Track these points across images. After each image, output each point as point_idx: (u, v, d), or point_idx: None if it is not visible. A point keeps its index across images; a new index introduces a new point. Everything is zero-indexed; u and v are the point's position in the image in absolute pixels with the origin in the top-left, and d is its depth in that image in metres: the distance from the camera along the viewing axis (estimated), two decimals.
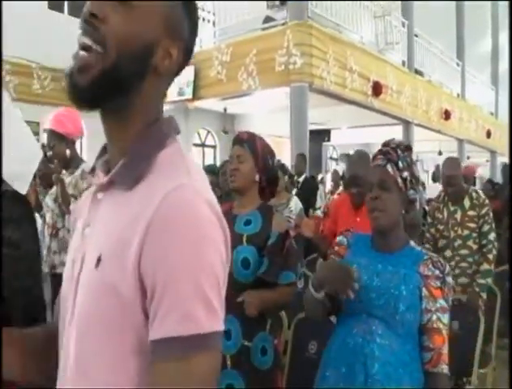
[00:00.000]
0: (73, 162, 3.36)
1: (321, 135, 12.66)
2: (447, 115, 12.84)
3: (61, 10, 11.19)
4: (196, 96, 9.16)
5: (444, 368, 1.58)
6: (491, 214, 3.55)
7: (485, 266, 3.47)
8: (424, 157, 20.82)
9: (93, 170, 2.88)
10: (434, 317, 1.59)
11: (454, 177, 3.59)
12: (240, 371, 1.99)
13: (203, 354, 0.71)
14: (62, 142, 3.27)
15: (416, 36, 11.75)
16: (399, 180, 1.66)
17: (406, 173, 1.67)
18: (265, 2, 8.86)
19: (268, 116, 11.82)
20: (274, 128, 13.31)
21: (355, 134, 14.92)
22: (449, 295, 1.63)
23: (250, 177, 2.17)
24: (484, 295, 3.43)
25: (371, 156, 1.85)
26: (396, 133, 11.82)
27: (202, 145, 13.48)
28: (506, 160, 18.37)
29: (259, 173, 2.18)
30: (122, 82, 0.81)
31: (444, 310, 1.60)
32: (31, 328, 1.00)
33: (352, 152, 14.53)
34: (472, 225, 3.54)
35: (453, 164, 3.71)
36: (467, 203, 3.58)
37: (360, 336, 1.61)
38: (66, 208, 3.21)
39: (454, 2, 14.67)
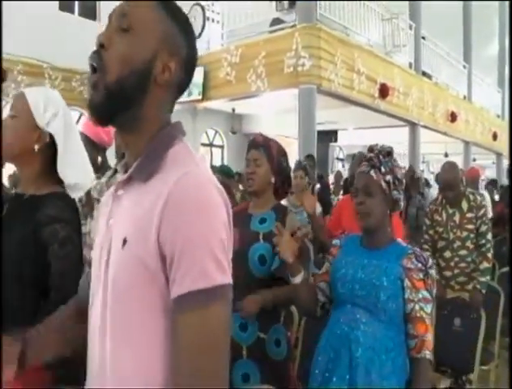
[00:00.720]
0: (102, 169, 3.47)
1: (328, 136, 12.75)
2: (453, 117, 12.90)
3: (71, 12, 11.33)
4: (205, 96, 9.28)
5: (427, 353, 1.71)
6: (488, 215, 3.66)
7: (485, 264, 3.60)
8: (430, 159, 20.90)
9: (115, 172, 2.99)
10: (417, 306, 1.73)
11: (452, 181, 3.70)
12: (255, 361, 2.10)
13: (218, 303, 0.87)
14: (94, 149, 3.37)
15: (423, 38, 11.81)
16: (383, 183, 1.83)
17: (388, 177, 1.83)
18: (273, 4, 8.96)
19: (275, 116, 11.93)
20: (281, 128, 13.42)
21: (361, 135, 15.00)
22: (432, 286, 1.77)
23: (267, 179, 2.28)
24: (484, 291, 3.54)
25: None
26: (402, 134, 11.93)
27: (210, 145, 13.62)
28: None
29: (274, 175, 2.30)
30: (127, 96, 0.96)
31: (427, 301, 1.74)
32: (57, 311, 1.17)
33: (357, 153, 14.47)
34: (470, 227, 3.65)
35: (451, 168, 3.82)
36: (464, 205, 3.69)
37: (346, 324, 1.78)
38: (88, 211, 3.32)
39: (461, 5, 14.73)
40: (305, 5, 7.87)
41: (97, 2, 11.69)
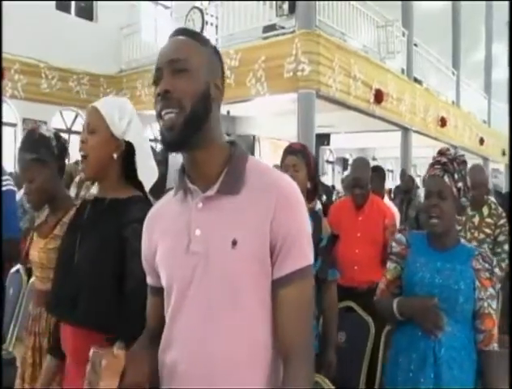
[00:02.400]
0: None
1: (320, 139, 12.91)
2: (443, 122, 13.19)
3: (68, 11, 11.36)
4: None
5: (495, 346, 1.88)
6: (507, 226, 3.82)
7: (498, 272, 3.75)
8: (417, 162, 21.24)
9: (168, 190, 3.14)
10: (485, 304, 1.88)
11: (479, 183, 3.86)
12: None
13: (310, 278, 1.17)
14: None
15: (416, 45, 12.06)
16: (454, 190, 1.92)
17: (460, 184, 1.94)
18: (267, 8, 9.06)
19: (270, 119, 12.08)
20: (275, 131, 13.56)
21: (352, 138, 15.25)
22: (496, 284, 1.93)
23: (304, 184, 2.39)
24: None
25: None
26: (394, 139, 12.17)
27: None
28: (497, 166, 18.80)
29: (310, 180, 2.43)
30: (200, 119, 1.13)
31: (493, 297, 1.90)
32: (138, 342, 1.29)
33: (347, 156, 14.80)
34: (488, 231, 3.81)
35: (479, 170, 4.03)
36: (485, 210, 3.86)
37: None
38: None
39: (449, 12, 15.05)
40: (305, 11, 8.02)
41: (94, 3, 11.73)
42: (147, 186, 1.73)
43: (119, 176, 1.71)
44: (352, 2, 9.34)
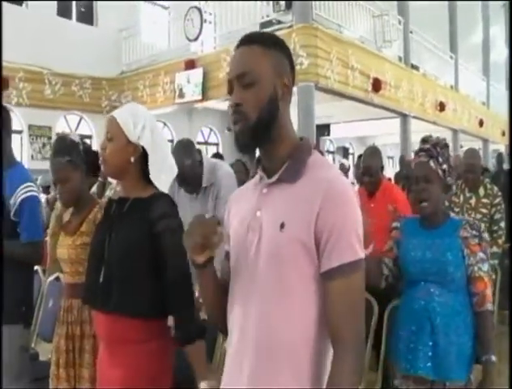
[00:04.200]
0: None
1: (321, 130, 13.06)
2: (442, 107, 13.31)
3: (69, 17, 11.51)
4: (205, 96, 9.58)
5: (488, 306, 2.06)
6: (503, 204, 4.00)
7: (494, 249, 3.91)
8: (415, 147, 21.28)
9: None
10: (476, 268, 2.07)
11: (474, 166, 4.06)
12: None
13: (359, 272, 1.20)
14: None
15: (411, 32, 12.18)
16: (440, 172, 2.11)
17: (445, 166, 2.12)
18: (264, 8, 9.19)
19: None
20: None
21: (352, 127, 15.38)
22: (486, 247, 2.11)
23: None
24: (493, 275, 3.87)
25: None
26: (393, 126, 12.32)
27: (206, 143, 13.89)
28: (497, 147, 18.88)
29: None
30: (265, 125, 1.25)
31: (483, 261, 2.08)
32: None
33: (347, 145, 14.87)
34: (484, 211, 3.99)
35: (474, 153, 4.23)
36: (481, 191, 4.05)
37: (422, 299, 2.10)
38: None
39: None
40: (302, 6, 8.18)
41: (94, 7, 11.89)
42: (165, 184, 1.90)
43: (139, 176, 1.88)
44: None
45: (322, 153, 2.60)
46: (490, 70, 18.26)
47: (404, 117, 11.84)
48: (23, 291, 2.78)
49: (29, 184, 2.75)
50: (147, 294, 1.78)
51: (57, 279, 3.71)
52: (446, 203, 4.23)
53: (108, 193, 3.69)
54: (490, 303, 2.07)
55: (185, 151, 3.24)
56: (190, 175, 3.22)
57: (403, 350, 2.13)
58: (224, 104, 11.18)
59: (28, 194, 2.68)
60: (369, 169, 3.70)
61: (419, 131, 12.97)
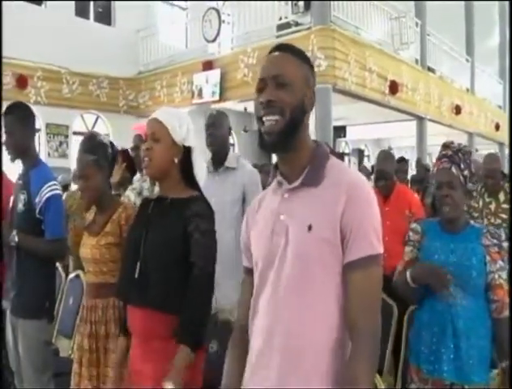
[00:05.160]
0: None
1: (337, 132, 13.05)
2: (458, 110, 13.22)
3: (87, 17, 11.61)
4: (222, 97, 9.62)
5: (506, 313, 2.11)
6: None
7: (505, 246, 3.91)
8: (433, 151, 21.21)
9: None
10: (496, 275, 2.11)
11: (495, 170, 4.05)
12: None
13: (377, 266, 1.29)
14: None
15: (428, 34, 12.13)
16: (461, 178, 2.16)
17: (466, 172, 2.17)
18: (282, 9, 9.22)
19: None
20: None
21: (367, 129, 15.34)
22: (505, 256, 2.16)
23: None
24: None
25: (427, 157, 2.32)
26: (409, 128, 12.27)
27: None
28: None
29: None
30: (294, 128, 1.33)
31: (503, 269, 2.13)
32: None
33: (363, 147, 14.81)
34: (504, 216, 3.98)
35: (493, 159, 4.21)
36: (501, 196, 4.03)
37: (445, 302, 2.13)
38: None
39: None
40: (320, 7, 8.19)
41: (112, 7, 11.98)
42: (201, 184, 1.97)
43: (179, 177, 1.95)
44: None
45: (342, 156, 2.63)
46: (506, 73, 18.09)
47: (420, 119, 11.79)
48: (47, 287, 2.85)
49: (54, 182, 2.82)
50: (179, 291, 1.82)
51: (78, 276, 3.77)
52: (465, 208, 4.23)
53: (130, 193, 3.72)
54: (507, 310, 2.11)
55: (221, 117, 3.32)
56: (219, 142, 3.23)
57: (425, 352, 2.16)
58: (240, 106, 11.23)
59: (53, 192, 2.75)
60: (383, 173, 3.73)
61: (435, 134, 13.03)
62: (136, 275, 1.85)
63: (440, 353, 2.10)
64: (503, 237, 2.17)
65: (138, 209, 2.10)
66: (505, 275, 2.12)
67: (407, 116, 11.52)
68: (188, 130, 1.92)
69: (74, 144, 11.22)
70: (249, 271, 1.49)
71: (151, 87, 11.57)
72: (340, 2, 8.74)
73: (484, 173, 4.17)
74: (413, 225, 2.36)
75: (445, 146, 2.22)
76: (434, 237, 2.24)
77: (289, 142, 1.33)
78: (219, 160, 3.26)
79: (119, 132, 10.25)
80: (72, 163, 9.77)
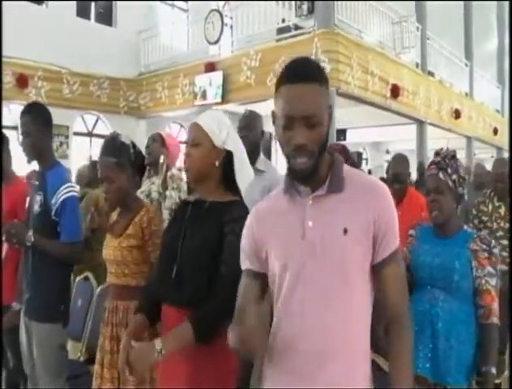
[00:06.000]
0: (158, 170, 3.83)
1: (338, 135, 13.04)
2: (457, 114, 13.28)
3: (88, 18, 11.58)
4: (225, 99, 9.61)
5: (494, 319, 2.12)
6: None
7: (497, 253, 3.91)
8: (430, 155, 21.26)
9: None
10: (483, 281, 2.14)
11: (504, 175, 4.06)
12: None
13: (400, 255, 1.45)
14: (163, 152, 3.74)
15: (428, 38, 12.17)
16: (450, 182, 2.20)
17: (454, 176, 2.21)
18: (284, 12, 9.22)
19: None
20: None
21: (367, 133, 15.39)
22: (496, 263, 2.17)
23: None
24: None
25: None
26: (408, 132, 12.30)
27: None
28: None
29: None
30: (322, 157, 1.38)
31: (491, 275, 2.15)
32: None
33: (361, 150, 14.80)
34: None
35: (503, 162, 4.25)
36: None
37: (427, 302, 2.19)
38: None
39: (462, 3, 15.11)
40: (324, 10, 8.21)
41: (113, 8, 11.96)
42: (243, 189, 1.96)
43: (219, 181, 1.94)
44: (368, 0, 9.51)
45: (355, 163, 2.61)
46: (505, 78, 18.18)
47: (421, 123, 11.83)
48: (62, 290, 2.83)
49: (70, 184, 2.79)
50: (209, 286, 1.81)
51: (86, 278, 3.75)
52: (474, 212, 4.26)
53: (172, 194, 3.74)
54: (496, 317, 2.12)
55: (255, 119, 3.34)
56: (252, 145, 3.17)
57: None
58: (241, 109, 11.22)
59: (70, 194, 2.72)
60: (398, 176, 3.71)
61: (435, 138, 13.07)
62: (173, 275, 1.85)
63: (417, 351, 2.10)
64: (493, 243, 2.19)
65: (174, 211, 2.11)
66: (493, 281, 2.14)
67: (407, 119, 11.55)
68: (228, 133, 1.92)
69: (75, 145, 11.21)
70: (256, 275, 1.51)
71: (152, 89, 11.55)
72: (344, 4, 8.75)
73: (494, 177, 4.20)
74: (410, 231, 2.42)
75: (436, 153, 2.28)
76: (425, 241, 2.31)
77: (318, 170, 1.39)
78: (250, 162, 3.27)
79: (120, 133, 10.19)
80: (72, 163, 9.75)
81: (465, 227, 2.31)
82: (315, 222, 1.37)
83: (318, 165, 1.37)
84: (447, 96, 13.01)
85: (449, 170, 2.20)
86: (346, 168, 1.45)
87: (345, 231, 1.34)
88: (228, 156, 1.93)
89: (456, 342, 2.11)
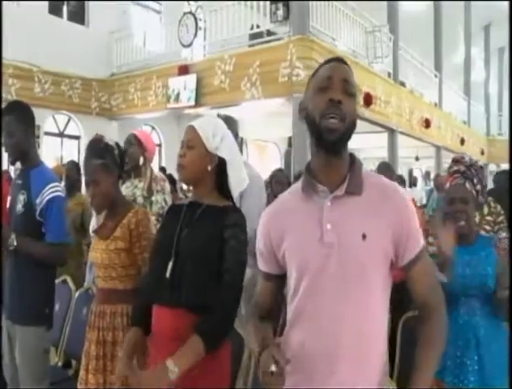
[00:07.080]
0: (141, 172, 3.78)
1: None
2: (427, 124, 13.55)
3: (60, 16, 11.38)
4: (198, 103, 9.56)
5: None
6: (506, 222, 4.11)
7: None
8: (400, 162, 21.62)
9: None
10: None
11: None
12: None
13: (426, 253, 1.47)
14: (141, 152, 3.70)
15: (399, 49, 12.39)
16: (474, 192, 2.23)
17: (478, 186, 2.24)
18: (258, 18, 9.25)
19: (257, 122, 12.27)
20: (262, 133, 13.76)
21: None
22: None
23: None
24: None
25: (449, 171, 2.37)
26: (380, 140, 12.47)
27: None
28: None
29: None
30: (350, 134, 1.39)
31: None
32: None
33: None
34: (488, 228, 4.10)
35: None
36: (485, 209, 4.15)
37: (466, 314, 2.19)
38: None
39: (432, 15, 15.46)
40: (299, 17, 8.25)
41: (86, 7, 11.78)
42: (235, 196, 1.97)
43: (213, 186, 1.95)
44: (342, 8, 9.61)
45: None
46: (470, 90, 18.68)
47: (392, 132, 12.00)
48: (47, 292, 2.73)
49: (56, 184, 2.69)
50: (211, 294, 1.80)
51: (64, 281, 3.67)
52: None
53: (158, 198, 3.70)
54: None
55: (228, 123, 3.31)
56: None
57: (450, 365, 2.18)
58: (213, 112, 11.21)
59: (56, 193, 2.63)
60: None
61: (405, 146, 13.28)
62: (167, 275, 1.83)
63: (465, 365, 2.14)
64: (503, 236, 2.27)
65: (167, 212, 2.09)
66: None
67: (379, 128, 11.70)
68: (222, 140, 1.92)
69: (46, 145, 10.98)
70: (272, 278, 1.53)
71: (124, 90, 11.39)
72: (319, 11, 8.81)
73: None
74: (430, 239, 2.43)
75: (457, 161, 2.29)
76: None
77: (344, 145, 1.38)
78: None
79: (91, 134, 9.91)
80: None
81: (481, 231, 2.38)
82: (333, 225, 1.36)
83: (346, 139, 1.37)
84: (418, 106, 13.26)
85: (475, 180, 2.22)
86: (364, 170, 1.45)
87: (364, 236, 1.33)
88: (222, 163, 1.93)
89: (497, 346, 2.14)
